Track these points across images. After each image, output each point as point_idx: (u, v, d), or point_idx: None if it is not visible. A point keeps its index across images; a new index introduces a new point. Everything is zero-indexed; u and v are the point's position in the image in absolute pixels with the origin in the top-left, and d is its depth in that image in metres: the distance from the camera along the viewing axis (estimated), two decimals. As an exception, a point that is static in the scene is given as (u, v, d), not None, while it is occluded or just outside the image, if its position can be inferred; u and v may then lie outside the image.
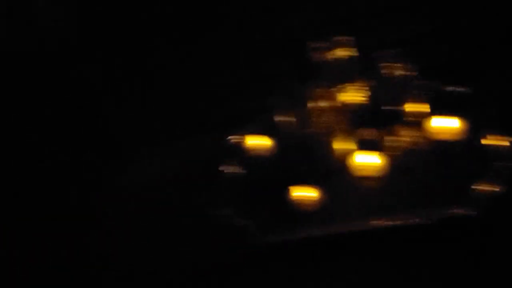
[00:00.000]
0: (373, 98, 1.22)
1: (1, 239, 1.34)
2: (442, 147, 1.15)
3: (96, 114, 1.56)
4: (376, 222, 1.10)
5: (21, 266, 1.31)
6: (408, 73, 1.14)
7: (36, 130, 1.48)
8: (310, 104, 1.17)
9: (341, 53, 1.16)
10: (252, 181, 1.29)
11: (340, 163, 1.19)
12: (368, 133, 1.19)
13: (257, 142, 1.32)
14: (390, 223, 1.08)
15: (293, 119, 1.25)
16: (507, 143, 1.07)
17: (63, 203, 1.41)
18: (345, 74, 1.19)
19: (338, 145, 1.17)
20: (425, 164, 1.13)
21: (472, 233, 1.05)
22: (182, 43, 1.49)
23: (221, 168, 1.32)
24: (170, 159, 1.45)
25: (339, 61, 1.18)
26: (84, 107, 1.54)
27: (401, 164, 1.14)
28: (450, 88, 1.24)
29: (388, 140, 1.14)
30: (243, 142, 1.34)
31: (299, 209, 1.15)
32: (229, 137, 1.40)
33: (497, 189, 1.02)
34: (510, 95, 1.18)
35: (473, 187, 1.05)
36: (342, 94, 1.21)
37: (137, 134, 1.58)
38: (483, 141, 1.11)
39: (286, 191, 1.16)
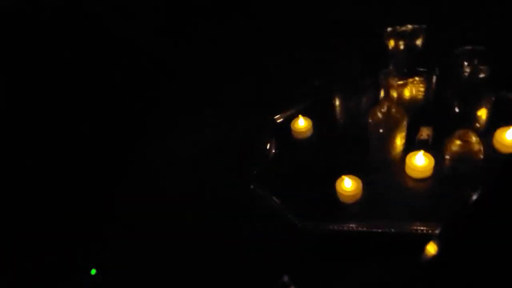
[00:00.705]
0: (439, 96, 1.14)
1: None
2: (505, 159, 1.07)
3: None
4: (416, 228, 1.04)
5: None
6: (483, 75, 1.05)
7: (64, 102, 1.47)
8: (371, 92, 1.10)
9: (414, 43, 1.08)
10: (295, 164, 1.25)
11: (392, 160, 1.13)
12: (427, 133, 1.12)
13: (304, 123, 1.28)
14: (431, 230, 1.02)
15: (350, 105, 1.19)
16: None
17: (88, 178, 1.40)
18: (414, 66, 1.11)
19: (395, 140, 1.10)
20: (482, 175, 1.06)
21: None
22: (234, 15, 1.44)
23: (263, 147, 1.28)
24: (215, 129, 1.42)
25: (409, 51, 1.10)
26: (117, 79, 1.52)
27: (457, 171, 1.07)
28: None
29: (451, 143, 1.06)
30: (294, 122, 1.29)
31: (340, 200, 1.10)
32: (277, 116, 1.36)
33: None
34: None
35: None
36: (407, 87, 1.14)
37: (177, 107, 1.56)
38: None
39: (329, 179, 1.11)
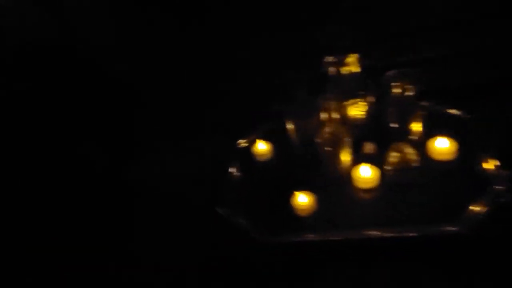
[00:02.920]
0: (377, 114, 1.28)
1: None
2: (439, 167, 1.21)
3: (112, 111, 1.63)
4: (370, 233, 1.15)
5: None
6: (413, 93, 1.19)
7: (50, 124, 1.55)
8: (318, 115, 1.23)
9: (351, 69, 1.22)
10: (257, 184, 1.35)
11: (342, 174, 1.25)
12: (370, 147, 1.25)
13: (265, 147, 1.39)
14: (384, 234, 1.13)
15: (301, 128, 1.32)
16: (500, 169, 1.13)
17: (76, 195, 1.48)
18: (353, 89, 1.26)
19: (342, 156, 1.23)
20: (422, 181, 1.19)
21: (462, 251, 1.10)
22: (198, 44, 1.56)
23: (229, 170, 1.39)
24: (180, 158, 1.52)
25: (349, 76, 1.24)
26: (100, 103, 1.61)
27: (399, 180, 1.20)
28: (451, 111, 1.31)
29: (389, 155, 1.20)
30: (251, 145, 1.41)
31: (299, 214, 1.21)
32: (239, 141, 1.47)
33: (488, 211, 1.07)
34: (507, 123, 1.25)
35: (467, 207, 1.10)
36: (349, 108, 1.28)
37: (151, 132, 1.66)
38: (479, 165, 1.17)
39: (287, 196, 1.22)
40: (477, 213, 1.08)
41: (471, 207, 1.09)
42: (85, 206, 1.47)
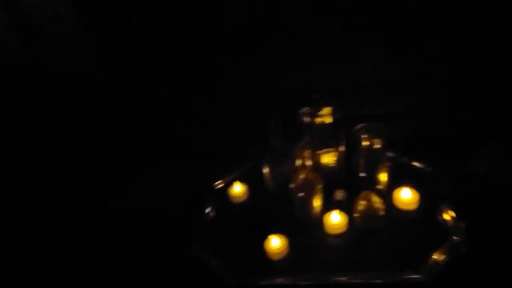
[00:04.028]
0: (348, 163, 1.37)
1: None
2: (403, 216, 1.29)
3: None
4: (338, 278, 1.19)
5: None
6: (381, 145, 1.29)
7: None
8: (292, 161, 1.29)
9: (325, 120, 1.31)
10: (231, 225, 1.38)
11: (313, 219, 1.31)
12: (341, 195, 1.32)
13: (241, 188, 1.44)
14: (351, 280, 1.18)
15: (276, 172, 1.38)
16: (457, 220, 1.22)
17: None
18: (326, 139, 1.34)
19: (313, 202, 1.29)
20: (387, 229, 1.27)
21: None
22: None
23: (205, 210, 1.42)
24: (156, 196, 1.54)
25: (322, 127, 1.33)
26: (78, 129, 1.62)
27: (366, 227, 1.27)
28: (415, 163, 1.41)
29: (357, 203, 1.27)
30: (228, 187, 1.45)
31: (271, 257, 1.24)
32: (216, 182, 1.51)
33: (447, 260, 1.14)
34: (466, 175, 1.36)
35: (428, 255, 1.17)
36: (321, 156, 1.36)
37: (128, 166, 1.67)
38: (439, 215, 1.25)
39: (261, 238, 1.26)
40: (437, 262, 1.15)
41: (432, 256, 1.16)
42: (58, 241, 1.44)
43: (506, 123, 1.42)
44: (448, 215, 1.24)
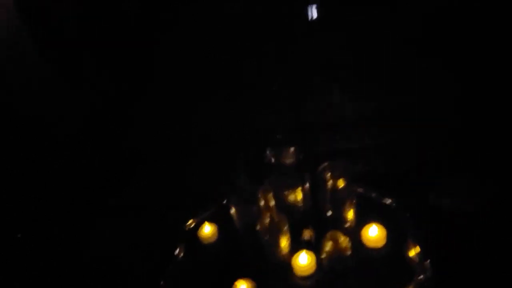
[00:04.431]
0: (314, 203, 1.37)
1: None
2: (371, 253, 1.29)
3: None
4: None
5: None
6: (345, 184, 1.30)
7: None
8: (258, 203, 1.30)
9: (290, 160, 1.32)
10: (200, 267, 1.37)
11: (281, 261, 1.30)
12: (308, 235, 1.32)
13: (210, 229, 1.43)
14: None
15: (243, 214, 1.38)
16: (422, 257, 1.23)
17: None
18: (291, 179, 1.35)
19: (281, 243, 1.28)
20: (355, 267, 1.27)
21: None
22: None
23: (175, 252, 1.41)
24: (127, 238, 1.53)
25: (288, 167, 1.34)
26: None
27: (334, 266, 1.27)
28: (381, 200, 1.42)
29: (324, 243, 1.27)
30: (198, 228, 1.45)
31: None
32: (186, 223, 1.51)
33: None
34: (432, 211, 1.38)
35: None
36: (287, 197, 1.36)
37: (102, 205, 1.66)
38: (405, 252, 1.26)
39: (228, 282, 1.24)
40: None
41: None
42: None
43: (467, 158, 1.46)
44: (413, 252, 1.25)
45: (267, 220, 1.27)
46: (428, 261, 1.22)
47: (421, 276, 1.19)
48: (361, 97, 1.52)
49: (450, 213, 1.39)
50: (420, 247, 1.25)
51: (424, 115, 1.51)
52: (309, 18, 1.51)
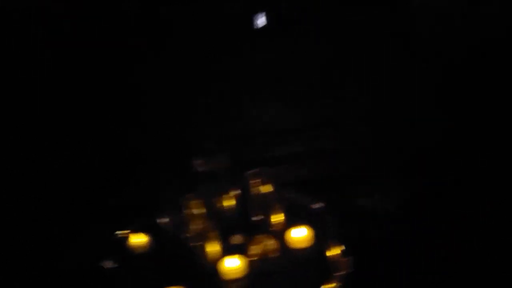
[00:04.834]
0: (242, 208, 1.41)
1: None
2: (297, 254, 1.35)
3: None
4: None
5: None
6: (272, 189, 1.35)
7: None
8: (187, 211, 1.31)
9: (217, 168, 1.35)
10: (130, 277, 1.35)
11: (210, 266, 1.32)
12: (237, 239, 1.36)
13: (138, 240, 1.41)
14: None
15: (172, 223, 1.38)
16: (344, 255, 1.30)
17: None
18: (219, 186, 1.38)
19: (210, 249, 1.30)
20: (282, 268, 1.32)
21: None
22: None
23: (103, 263, 1.37)
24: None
25: (214, 175, 1.36)
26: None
27: (263, 268, 1.31)
28: (310, 203, 1.49)
29: (253, 246, 1.31)
30: (125, 239, 1.42)
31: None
32: (114, 233, 1.47)
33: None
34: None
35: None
36: (215, 203, 1.39)
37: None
38: (328, 251, 1.33)
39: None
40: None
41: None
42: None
43: (389, 162, 1.58)
44: (336, 250, 1.32)
45: (197, 227, 1.29)
46: (349, 258, 1.29)
47: (342, 272, 1.26)
48: (290, 106, 1.59)
49: (372, 213, 1.49)
50: (343, 246, 1.33)
51: (348, 122, 1.61)
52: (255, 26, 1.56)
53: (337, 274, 1.26)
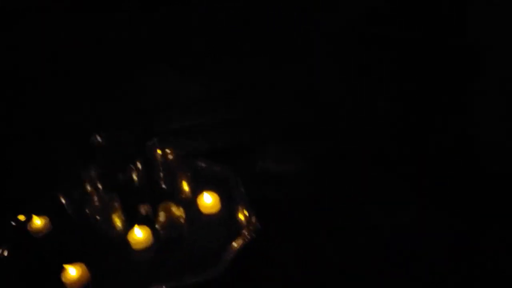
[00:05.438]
0: (147, 179, 1.40)
1: None
2: (206, 219, 1.38)
3: None
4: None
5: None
6: (176, 157, 1.36)
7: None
8: (88, 185, 1.27)
9: (118, 141, 1.32)
10: (31, 261, 1.28)
11: (117, 238, 1.30)
12: (143, 209, 1.34)
13: (39, 221, 1.34)
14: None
15: (72, 200, 1.33)
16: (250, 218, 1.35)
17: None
18: (121, 159, 1.35)
19: (115, 221, 1.28)
20: (192, 233, 1.33)
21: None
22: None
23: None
24: None
25: (119, 148, 1.33)
26: None
27: (171, 235, 1.31)
28: (213, 170, 1.52)
29: (158, 215, 1.30)
30: (24, 221, 1.34)
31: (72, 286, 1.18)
32: (11, 217, 1.38)
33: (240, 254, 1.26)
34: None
35: (227, 251, 1.27)
36: (120, 176, 1.36)
37: None
38: (236, 215, 1.37)
39: (60, 269, 1.19)
40: (233, 255, 1.25)
41: (228, 253, 1.26)
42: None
43: (290, 129, 1.64)
44: (243, 215, 1.37)
45: (100, 201, 1.25)
46: (254, 217, 1.34)
47: (248, 231, 1.31)
48: (197, 78, 1.59)
49: (276, 176, 1.56)
50: (249, 208, 1.37)
51: (254, 95, 1.65)
52: None
53: (245, 232, 1.31)
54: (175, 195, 1.38)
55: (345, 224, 1.42)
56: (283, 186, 1.54)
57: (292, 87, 1.60)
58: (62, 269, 1.18)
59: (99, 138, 1.30)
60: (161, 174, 1.37)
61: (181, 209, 1.33)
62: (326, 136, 1.70)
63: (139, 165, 1.37)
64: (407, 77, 1.65)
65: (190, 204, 1.38)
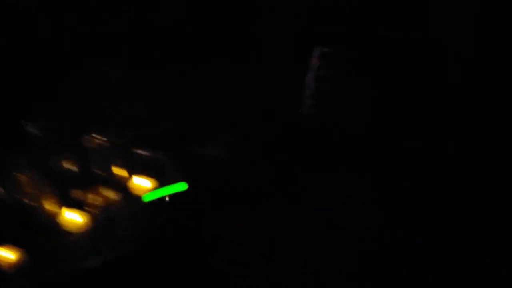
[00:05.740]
0: (82, 164, 1.45)
1: None
2: (137, 202, 1.45)
3: None
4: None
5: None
6: (113, 144, 1.42)
7: None
8: (20, 172, 1.30)
9: (50, 128, 1.36)
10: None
11: (48, 223, 1.34)
12: (75, 194, 1.40)
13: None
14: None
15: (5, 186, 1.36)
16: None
17: None
18: (56, 144, 1.40)
19: (46, 206, 1.32)
20: (127, 215, 1.41)
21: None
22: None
23: None
24: None
25: (52, 132, 1.38)
26: None
27: (104, 218, 1.38)
28: (148, 156, 1.59)
29: (94, 198, 1.37)
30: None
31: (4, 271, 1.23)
32: None
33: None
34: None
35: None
36: (52, 162, 1.40)
37: None
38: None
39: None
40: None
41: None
42: None
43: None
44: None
45: (31, 187, 1.29)
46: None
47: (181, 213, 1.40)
48: (138, 72, 1.64)
49: (211, 160, 1.64)
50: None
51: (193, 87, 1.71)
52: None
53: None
54: (109, 180, 1.44)
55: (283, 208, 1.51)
56: (221, 172, 1.62)
57: (240, 82, 1.68)
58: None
59: (30, 126, 1.34)
60: (95, 161, 1.42)
61: (115, 192, 1.39)
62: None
63: (73, 153, 1.41)
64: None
65: (123, 188, 1.45)
